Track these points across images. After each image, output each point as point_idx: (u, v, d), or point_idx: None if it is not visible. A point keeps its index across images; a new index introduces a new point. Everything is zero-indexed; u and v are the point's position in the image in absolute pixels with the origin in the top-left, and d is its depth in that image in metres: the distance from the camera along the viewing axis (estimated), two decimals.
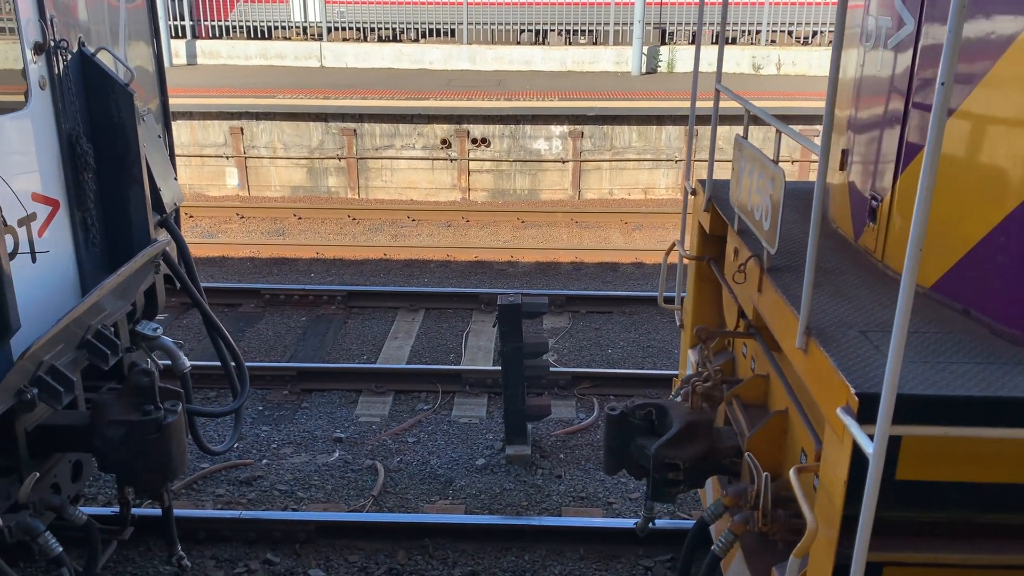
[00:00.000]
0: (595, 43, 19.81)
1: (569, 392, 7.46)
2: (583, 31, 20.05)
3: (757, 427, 3.65)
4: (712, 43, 19.67)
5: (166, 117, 5.27)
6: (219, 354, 5.40)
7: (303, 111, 13.99)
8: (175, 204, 5.03)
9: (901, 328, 2.36)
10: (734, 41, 19.63)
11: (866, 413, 2.52)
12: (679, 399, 4.10)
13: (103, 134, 4.29)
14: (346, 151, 14.09)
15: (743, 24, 19.64)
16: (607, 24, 19.68)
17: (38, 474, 3.78)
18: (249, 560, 5.20)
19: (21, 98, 3.87)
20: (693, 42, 19.59)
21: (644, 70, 18.70)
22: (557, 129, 14.01)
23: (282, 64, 19.31)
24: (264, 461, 6.38)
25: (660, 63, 19.04)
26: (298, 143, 14.12)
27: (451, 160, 14.14)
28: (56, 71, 4.02)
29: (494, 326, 8.36)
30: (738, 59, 18.62)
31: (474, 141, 14.07)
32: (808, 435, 3.31)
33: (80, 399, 4.30)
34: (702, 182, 5.02)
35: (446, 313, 9.32)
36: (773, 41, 19.51)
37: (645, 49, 18.68)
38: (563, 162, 14.10)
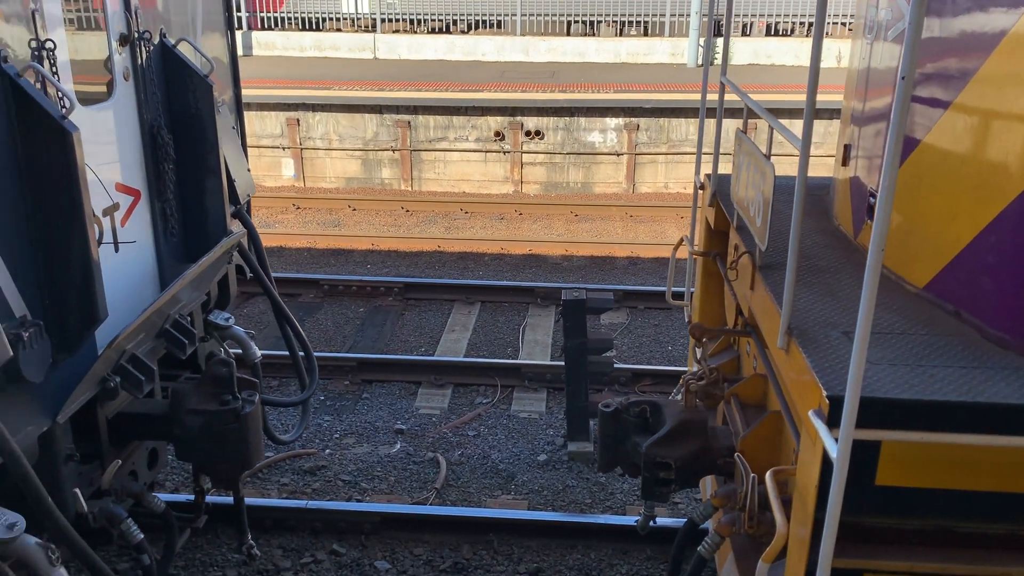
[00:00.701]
0: (645, 34, 19.56)
1: (630, 389, 7.37)
2: (635, 22, 19.82)
3: (751, 428, 3.58)
4: (766, 35, 19.29)
5: (239, 108, 5.31)
6: (287, 344, 5.45)
7: (359, 103, 14.06)
8: (248, 195, 5.06)
9: (863, 332, 2.28)
10: (790, 32, 19.21)
11: (836, 417, 2.46)
12: (679, 397, 4.05)
13: (182, 125, 4.33)
14: (400, 143, 14.13)
15: (797, 16, 19.21)
16: (662, 15, 19.42)
17: (120, 461, 3.84)
18: (316, 550, 5.23)
19: (106, 89, 3.92)
20: (745, 34, 19.24)
21: (700, 62, 18.42)
22: (612, 121, 13.87)
23: (336, 56, 19.44)
24: (327, 451, 6.42)
25: (716, 55, 18.73)
26: (353, 135, 14.20)
27: (504, 152, 14.09)
28: (139, 62, 4.05)
29: (558, 321, 8.30)
30: (796, 51, 18.22)
31: (528, 133, 14.00)
32: (793, 437, 3.25)
33: (157, 388, 4.36)
34: (711, 176, 4.97)
35: (502, 306, 9.29)
36: (828, 34, 19.05)
37: (702, 41, 18.39)
38: (617, 155, 13.95)
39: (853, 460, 2.56)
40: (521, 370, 7.53)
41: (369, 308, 9.22)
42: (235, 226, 4.88)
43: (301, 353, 5.35)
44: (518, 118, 13.94)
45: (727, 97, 4.84)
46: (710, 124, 10.96)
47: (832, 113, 12.96)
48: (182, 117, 4.31)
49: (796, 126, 3.64)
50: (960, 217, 3.14)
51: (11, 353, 2.94)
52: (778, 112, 12.27)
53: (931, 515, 2.81)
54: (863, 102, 3.94)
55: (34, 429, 3.33)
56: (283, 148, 14.25)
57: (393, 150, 14.20)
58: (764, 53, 18.21)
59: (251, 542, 4.88)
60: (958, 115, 3.16)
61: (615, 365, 7.03)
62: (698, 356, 4.15)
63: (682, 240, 5.11)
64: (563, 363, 7.51)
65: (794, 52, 18.19)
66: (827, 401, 2.55)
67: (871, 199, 3.80)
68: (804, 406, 2.78)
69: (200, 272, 4.30)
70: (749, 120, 4.38)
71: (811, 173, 3.87)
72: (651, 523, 4.30)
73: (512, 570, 5.10)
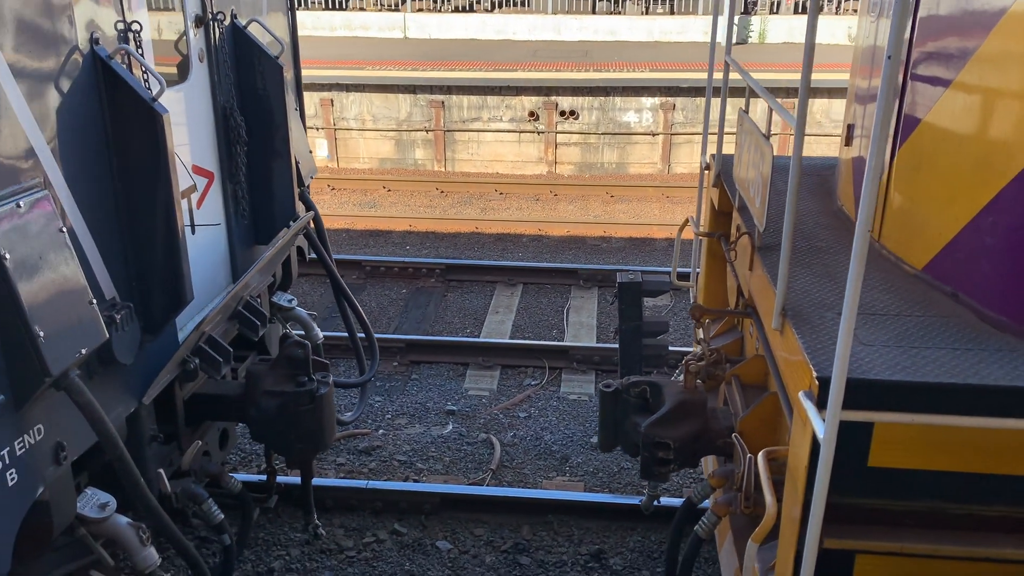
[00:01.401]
0: (672, 12, 19.31)
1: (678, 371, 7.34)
2: (663, 0, 19.57)
3: (750, 408, 3.57)
4: (793, 12, 19.00)
5: (299, 89, 5.29)
6: (346, 324, 5.47)
7: (393, 83, 14.01)
8: (311, 176, 5.06)
9: (850, 314, 2.26)
10: (834, 10, 18.90)
11: (825, 398, 2.45)
12: (680, 378, 4.06)
13: (252, 106, 4.32)
14: (434, 123, 14.08)
15: None
16: None
17: (200, 442, 3.87)
18: (377, 530, 5.27)
19: (182, 71, 3.91)
20: (774, 11, 18.94)
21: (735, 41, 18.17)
22: (648, 101, 13.73)
23: (366, 35, 19.37)
24: (380, 431, 6.46)
25: (751, 34, 18.47)
26: (387, 115, 14.17)
27: (538, 133, 14.01)
28: (212, 43, 4.04)
29: (612, 303, 8.28)
30: (832, 30, 17.94)
31: (562, 113, 13.91)
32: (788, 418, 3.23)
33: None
34: (716, 156, 4.91)
35: (544, 288, 9.27)
36: (842, 11, 18.73)
37: (736, 19, 18.12)
38: (653, 135, 13.83)
39: (846, 441, 2.60)
40: (569, 352, 7.51)
41: (412, 289, 9.23)
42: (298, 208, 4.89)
43: (361, 335, 5.37)
44: (552, 98, 13.85)
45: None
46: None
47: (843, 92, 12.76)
48: (252, 98, 4.31)
49: (817, 104, 3.69)
50: (959, 198, 3.11)
51: (107, 335, 2.96)
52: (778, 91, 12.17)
53: (924, 497, 2.80)
54: (867, 80, 3.90)
55: (123, 410, 3.37)
56: (317, 129, 14.25)
57: (427, 130, 14.16)
58: (800, 31, 17.94)
59: (317, 522, 4.92)
60: (958, 94, 3.11)
61: (669, 348, 6.99)
62: (699, 337, 4.14)
63: (687, 221, 5.09)
64: (611, 345, 7.50)
65: (830, 30, 17.90)
66: (816, 382, 2.55)
67: None
68: (795, 387, 2.77)
69: (272, 255, 4.31)
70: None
71: (824, 153, 3.84)
72: (655, 503, 4.33)
73: (573, 551, 5.12)
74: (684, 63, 15.68)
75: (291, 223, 4.56)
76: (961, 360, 2.72)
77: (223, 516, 3.85)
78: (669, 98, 13.65)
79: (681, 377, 4.02)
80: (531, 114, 13.96)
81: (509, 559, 5.06)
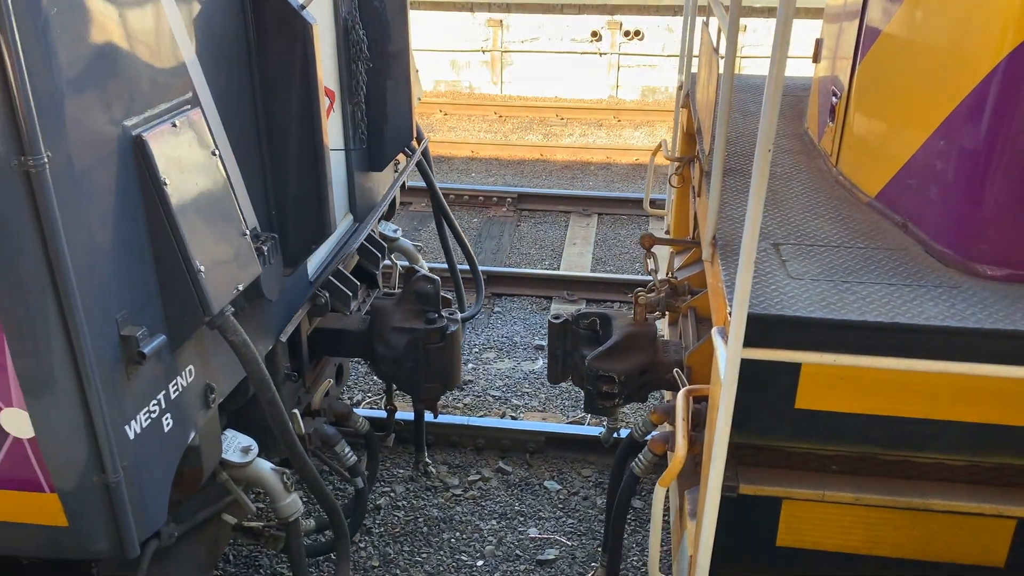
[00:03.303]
0: None
1: None
2: None
3: (699, 343, 3.35)
4: None
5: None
6: (447, 256, 5.23)
7: (449, 0, 13.42)
8: (418, 98, 4.73)
9: (749, 242, 2.04)
10: None
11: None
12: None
13: (371, 20, 3.96)
14: (491, 43, 13.52)
15: None
16: None
17: (332, 381, 3.68)
18: (481, 467, 5.13)
19: None
20: None
21: None
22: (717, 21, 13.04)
23: None
24: (469, 364, 6.27)
25: None
26: (442, 34, 13.62)
27: (600, 55, 13.42)
28: None
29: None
30: None
31: (627, 34, 13.27)
32: None
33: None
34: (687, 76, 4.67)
35: (620, 219, 8.93)
36: None
37: None
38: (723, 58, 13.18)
39: (772, 382, 2.48)
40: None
41: (483, 219, 8.93)
42: None
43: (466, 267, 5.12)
44: (617, 17, 13.19)
45: None
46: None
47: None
48: (370, 10, 3.95)
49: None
50: (913, 120, 2.84)
51: (260, 269, 2.72)
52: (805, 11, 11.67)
53: (854, 442, 2.63)
54: None
55: (262, 348, 3.16)
56: None
57: (484, 51, 13.61)
58: None
59: (428, 459, 4.77)
60: (912, 12, 2.84)
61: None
62: (649, 268, 3.90)
63: (660, 145, 4.78)
64: None
65: None
66: (729, 318, 2.32)
67: (834, 99, 3.52)
68: (717, 322, 2.57)
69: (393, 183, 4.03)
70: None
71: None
72: (614, 435, 4.22)
73: None
74: None
75: (406, 149, 4.25)
76: (895, 297, 2.50)
77: (356, 458, 3.68)
78: (741, 19, 12.94)
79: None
80: (593, 34, 13.34)
81: None
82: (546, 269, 7.83)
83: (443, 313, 3.79)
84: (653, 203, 5.23)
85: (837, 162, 3.45)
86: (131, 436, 2.37)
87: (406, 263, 4.80)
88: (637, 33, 13.25)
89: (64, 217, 2.02)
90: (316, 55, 2.83)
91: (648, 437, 3.57)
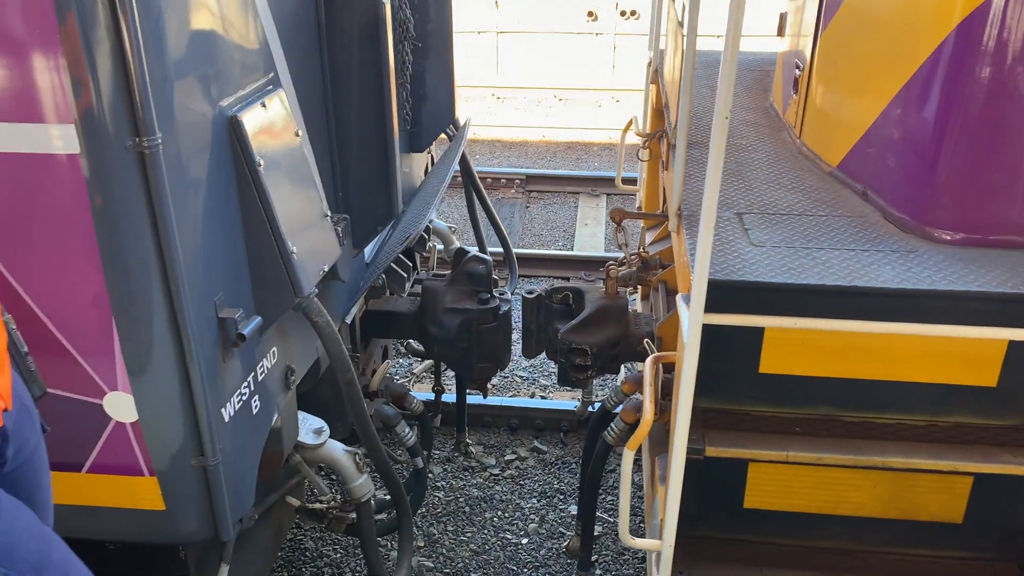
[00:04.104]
0: None
1: None
2: None
3: (669, 313, 3.43)
4: None
5: None
6: (477, 236, 5.22)
7: None
8: None
9: (708, 209, 2.10)
10: None
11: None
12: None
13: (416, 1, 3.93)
14: (487, 25, 13.43)
15: None
16: None
17: (389, 362, 3.68)
18: (516, 447, 5.15)
19: None
20: None
21: None
22: None
23: None
24: None
25: None
26: None
27: (596, 35, 13.38)
28: None
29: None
30: None
31: (623, 13, 13.24)
32: None
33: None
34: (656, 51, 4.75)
35: (629, 199, 8.94)
36: None
37: None
38: (718, 37, 13.20)
39: (737, 347, 2.56)
40: None
41: (492, 201, 8.90)
42: None
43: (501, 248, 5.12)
44: None
45: None
46: None
47: None
48: None
49: None
50: (871, 90, 2.93)
51: (339, 251, 2.71)
52: None
53: (817, 404, 2.71)
54: None
55: None
56: None
57: (479, 32, 13.53)
58: None
59: (468, 439, 4.79)
60: None
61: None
62: (620, 242, 3.99)
63: (631, 122, 4.84)
64: None
65: None
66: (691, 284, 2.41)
67: (796, 72, 3.59)
68: (682, 290, 2.65)
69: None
70: None
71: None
72: (589, 408, 4.26)
73: None
74: None
75: (448, 130, 4.23)
76: (853, 262, 2.59)
77: (416, 439, 3.69)
78: None
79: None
80: (590, 14, 13.30)
81: None
82: (559, 250, 7.85)
83: (494, 293, 3.80)
84: (625, 180, 5.27)
85: (800, 134, 3.53)
86: (226, 419, 2.37)
87: (440, 246, 4.80)
88: (633, 13, 13.23)
89: (173, 198, 2.01)
90: (388, 34, 2.81)
91: (620, 407, 3.66)
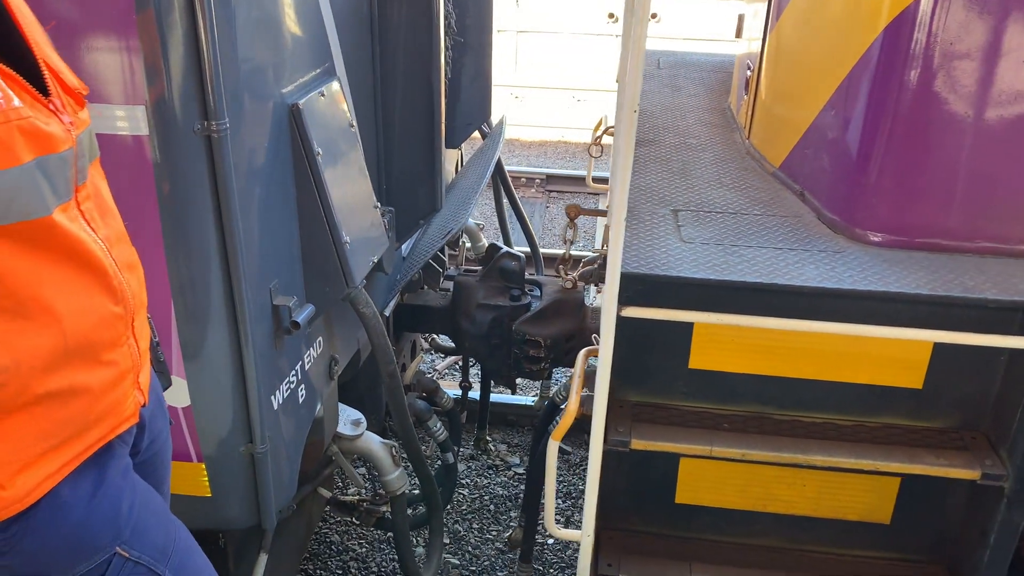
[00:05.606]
0: None
1: None
2: None
3: None
4: None
5: None
6: (503, 232, 5.22)
7: None
8: None
9: (618, 204, 2.11)
10: None
11: (622, 294, 2.33)
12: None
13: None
14: (506, 24, 13.42)
15: None
16: None
17: (422, 356, 3.67)
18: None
19: None
20: None
21: None
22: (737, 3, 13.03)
23: None
24: None
25: None
26: None
27: (616, 37, 13.35)
28: None
29: None
30: None
31: None
32: None
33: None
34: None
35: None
36: None
37: None
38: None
39: (668, 342, 2.57)
40: None
41: None
42: None
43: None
44: None
45: None
46: None
47: None
48: None
49: None
50: (810, 92, 2.95)
51: (387, 242, 2.71)
52: None
53: (747, 401, 2.71)
54: None
55: None
56: None
57: (499, 31, 13.50)
58: None
59: (488, 437, 4.78)
60: None
61: None
62: (568, 237, 4.00)
63: (602, 121, 4.81)
64: None
65: None
66: None
67: (748, 72, 3.62)
68: None
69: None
70: None
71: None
72: (545, 403, 4.19)
73: None
74: None
75: (483, 126, 4.23)
76: (779, 260, 2.59)
77: (447, 434, 3.68)
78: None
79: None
80: (610, 15, 13.28)
81: None
82: (579, 250, 7.83)
83: (526, 290, 3.79)
84: (596, 179, 5.27)
85: (749, 134, 3.55)
86: (275, 407, 2.37)
87: (468, 243, 4.79)
88: (654, 15, 13.20)
89: (237, 183, 2.00)
90: (440, 23, 2.81)
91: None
